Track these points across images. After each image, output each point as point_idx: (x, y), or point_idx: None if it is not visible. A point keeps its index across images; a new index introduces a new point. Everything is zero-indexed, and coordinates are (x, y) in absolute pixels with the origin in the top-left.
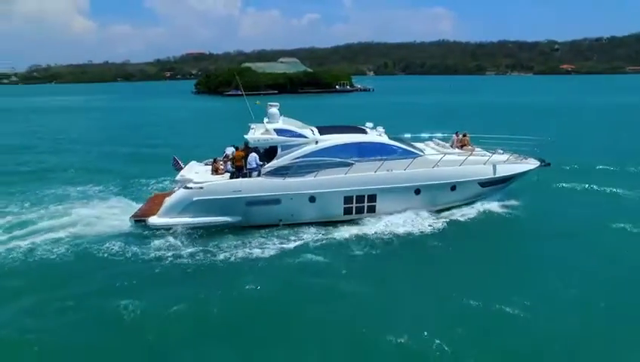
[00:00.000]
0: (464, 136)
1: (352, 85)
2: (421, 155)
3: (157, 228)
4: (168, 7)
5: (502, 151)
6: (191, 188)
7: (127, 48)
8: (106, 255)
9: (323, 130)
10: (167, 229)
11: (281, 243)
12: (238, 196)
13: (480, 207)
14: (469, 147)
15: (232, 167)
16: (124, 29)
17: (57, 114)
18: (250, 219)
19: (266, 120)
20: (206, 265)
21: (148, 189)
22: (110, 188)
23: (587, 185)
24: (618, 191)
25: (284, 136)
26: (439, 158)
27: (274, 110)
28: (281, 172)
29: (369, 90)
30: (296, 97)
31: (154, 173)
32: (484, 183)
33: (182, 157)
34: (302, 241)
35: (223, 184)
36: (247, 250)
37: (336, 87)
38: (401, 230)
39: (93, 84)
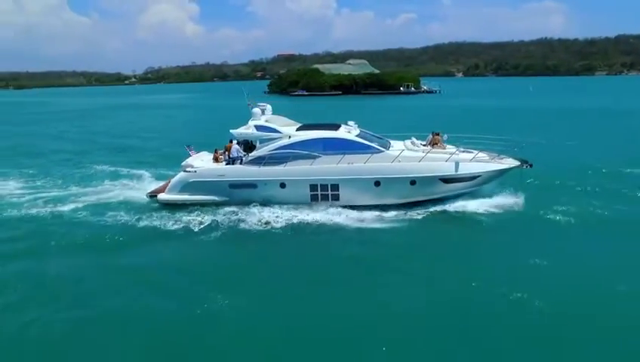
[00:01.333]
0: (436, 135)
1: (417, 87)
2: (382, 151)
3: (163, 203)
4: (268, 10)
5: (475, 151)
6: (188, 171)
7: (230, 50)
8: (119, 216)
9: (303, 127)
10: (171, 204)
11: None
12: (223, 180)
13: (450, 204)
14: (441, 146)
15: (228, 157)
16: (228, 33)
17: (145, 110)
18: (233, 199)
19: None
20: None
21: None
22: (160, 170)
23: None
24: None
25: (261, 131)
26: (398, 154)
27: (256, 110)
28: (257, 161)
29: (435, 92)
30: (358, 98)
31: None
32: (446, 180)
33: (209, 148)
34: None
35: (211, 169)
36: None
37: (401, 88)
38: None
39: (192, 84)
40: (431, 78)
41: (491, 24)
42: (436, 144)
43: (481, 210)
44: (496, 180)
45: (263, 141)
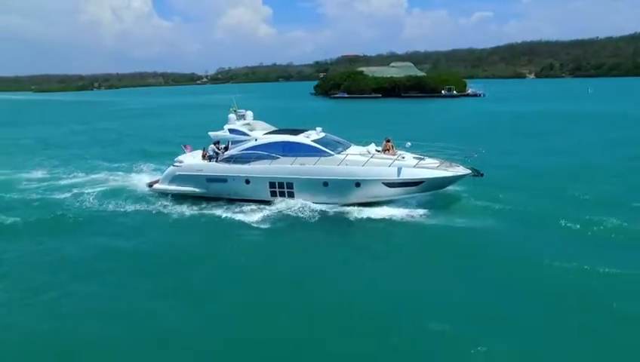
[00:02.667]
0: (387, 141)
1: (461, 90)
2: (331, 155)
3: (157, 192)
4: (337, 11)
5: (427, 159)
6: (176, 166)
7: (299, 51)
8: (119, 201)
9: (272, 132)
10: (164, 194)
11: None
12: (201, 174)
13: (396, 206)
14: (392, 152)
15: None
16: (298, 34)
17: (197, 109)
18: (210, 191)
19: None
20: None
21: None
22: None
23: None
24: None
25: (233, 134)
26: (343, 158)
27: (231, 115)
28: (228, 159)
29: (479, 95)
30: (397, 101)
31: None
32: (389, 184)
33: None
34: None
35: (192, 165)
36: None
37: (442, 91)
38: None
39: (256, 84)
40: (495, 81)
41: (575, 21)
42: (388, 150)
43: (399, 216)
44: (453, 185)
45: (235, 142)
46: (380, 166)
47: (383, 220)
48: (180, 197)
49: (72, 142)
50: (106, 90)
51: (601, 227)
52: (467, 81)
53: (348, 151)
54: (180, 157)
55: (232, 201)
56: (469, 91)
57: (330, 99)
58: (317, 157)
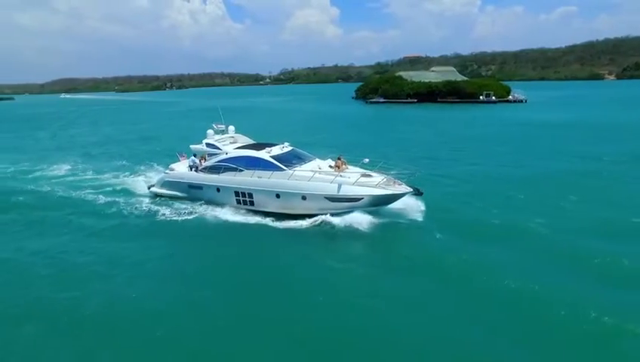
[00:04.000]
0: (339, 159)
1: (502, 95)
2: (283, 170)
3: (153, 193)
4: (405, 10)
5: (370, 174)
6: (166, 173)
7: (365, 51)
8: (118, 199)
9: (242, 147)
10: (159, 196)
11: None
12: (183, 181)
13: (339, 218)
14: (343, 168)
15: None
16: (364, 34)
17: (244, 112)
18: (190, 196)
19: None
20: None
21: None
22: None
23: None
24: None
25: (208, 148)
26: (292, 173)
27: (209, 131)
28: (204, 170)
29: (521, 101)
30: (431, 107)
31: None
32: (331, 198)
33: None
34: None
35: (177, 173)
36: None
37: (480, 97)
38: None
39: (314, 85)
40: (563, 83)
41: None
42: (338, 167)
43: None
44: (398, 201)
45: (210, 155)
46: (323, 182)
47: (339, 230)
48: (169, 199)
49: (112, 141)
50: (176, 89)
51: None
52: (511, 86)
53: (305, 166)
54: (173, 165)
55: (208, 204)
56: (510, 97)
57: (366, 104)
58: (271, 171)
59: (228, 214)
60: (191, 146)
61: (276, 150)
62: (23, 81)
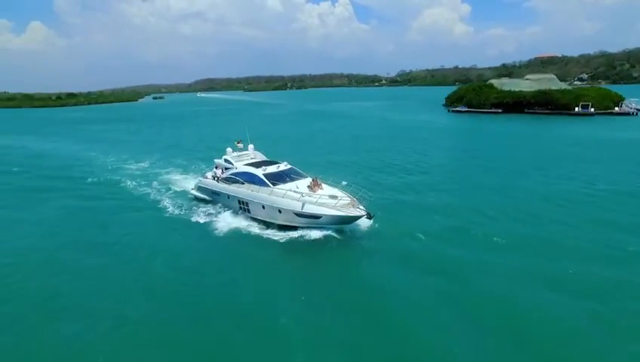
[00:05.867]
0: (313, 180)
1: (607, 106)
2: (268, 186)
3: (193, 196)
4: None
5: (336, 196)
6: (200, 179)
7: (497, 50)
8: (165, 196)
9: (249, 164)
10: (195, 198)
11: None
12: (208, 188)
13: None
14: (316, 188)
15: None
16: (498, 32)
17: (336, 118)
18: (213, 200)
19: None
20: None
21: None
22: None
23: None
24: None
25: (225, 163)
26: (272, 190)
27: (228, 149)
28: (222, 180)
29: (632, 114)
30: (515, 118)
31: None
32: (298, 214)
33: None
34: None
35: (206, 181)
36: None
37: (575, 108)
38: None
39: (429, 87)
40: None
41: None
42: (312, 187)
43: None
44: (356, 220)
45: (226, 169)
46: (292, 199)
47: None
48: (200, 200)
49: (199, 143)
50: (295, 90)
51: None
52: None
53: (287, 185)
54: (207, 173)
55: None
56: (617, 108)
57: (448, 113)
58: (260, 187)
59: (234, 218)
60: (215, 160)
61: (272, 168)
62: (176, 81)
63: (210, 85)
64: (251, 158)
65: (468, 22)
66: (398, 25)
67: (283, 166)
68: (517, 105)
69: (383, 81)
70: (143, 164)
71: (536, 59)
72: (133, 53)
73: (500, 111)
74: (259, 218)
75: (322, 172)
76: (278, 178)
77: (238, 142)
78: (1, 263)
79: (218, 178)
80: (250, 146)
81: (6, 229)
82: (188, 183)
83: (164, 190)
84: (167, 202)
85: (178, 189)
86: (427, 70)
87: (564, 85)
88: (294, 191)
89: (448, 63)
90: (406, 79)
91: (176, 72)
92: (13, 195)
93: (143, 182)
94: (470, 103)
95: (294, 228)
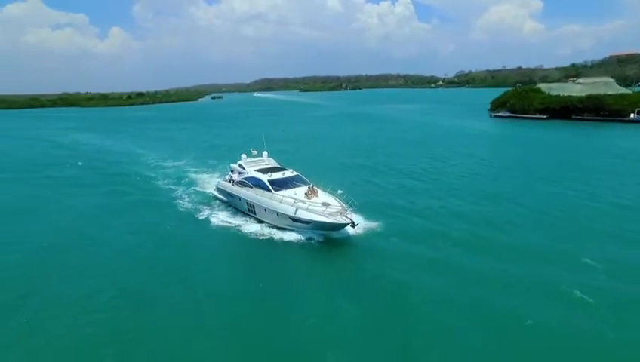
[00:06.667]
0: (309, 188)
1: None
2: (270, 191)
3: (213, 195)
4: None
5: (328, 203)
6: (219, 182)
7: (570, 48)
8: (189, 195)
9: (259, 169)
10: (215, 198)
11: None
12: (225, 189)
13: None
14: (312, 196)
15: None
16: (573, 29)
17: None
18: (229, 201)
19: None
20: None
21: None
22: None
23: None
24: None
25: (239, 168)
26: (272, 194)
27: (243, 155)
28: (236, 183)
29: None
30: (561, 125)
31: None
32: (292, 219)
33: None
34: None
35: (223, 183)
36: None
37: (631, 115)
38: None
39: (482, 90)
40: None
41: None
42: (308, 194)
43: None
44: (342, 228)
45: (240, 173)
46: (287, 205)
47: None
48: (219, 201)
49: (236, 144)
50: (350, 90)
51: None
52: None
53: (286, 191)
54: (226, 176)
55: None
56: None
57: (489, 119)
58: (264, 191)
59: (241, 218)
60: (231, 165)
61: (277, 175)
62: (236, 80)
63: (267, 85)
64: (265, 164)
65: (539, 18)
66: (460, 23)
67: (289, 173)
68: (564, 110)
69: (440, 83)
70: (178, 163)
71: (611, 57)
72: (198, 54)
73: (545, 117)
74: (262, 219)
75: (327, 175)
76: (281, 184)
77: (253, 150)
78: (50, 235)
79: (233, 181)
80: (265, 153)
81: (54, 213)
82: (211, 184)
83: (187, 188)
84: (185, 199)
85: (199, 189)
86: (487, 71)
87: (622, 89)
88: (291, 198)
89: (511, 63)
90: (464, 80)
91: (236, 71)
92: (66, 186)
93: (173, 180)
94: (514, 108)
95: (291, 230)
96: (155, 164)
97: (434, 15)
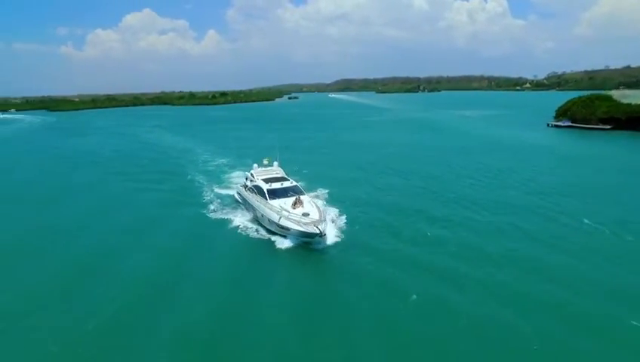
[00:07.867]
0: (297, 198)
1: None
2: (266, 199)
3: (234, 198)
4: None
5: (308, 213)
6: (238, 186)
7: None
8: (212, 195)
9: (266, 179)
10: (236, 201)
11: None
12: (240, 193)
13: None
14: (299, 207)
15: None
16: None
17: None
18: (243, 204)
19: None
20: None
21: None
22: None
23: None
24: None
25: (249, 176)
26: (266, 202)
27: (255, 165)
28: (247, 189)
29: None
30: (622, 137)
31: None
32: (277, 225)
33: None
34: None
35: (239, 187)
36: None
37: None
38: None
39: (573, 92)
40: None
41: None
42: (294, 204)
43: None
44: (313, 237)
45: (250, 180)
46: (274, 213)
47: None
48: (237, 203)
49: (281, 147)
50: (428, 92)
51: None
52: None
53: (278, 201)
54: (244, 182)
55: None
56: None
57: (546, 128)
58: (262, 198)
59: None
60: (246, 173)
61: (276, 184)
62: (317, 80)
63: (346, 85)
64: (275, 173)
65: None
66: (562, 18)
67: (288, 183)
68: (633, 121)
69: (527, 85)
70: (219, 162)
71: None
72: (283, 54)
73: (609, 127)
74: (262, 223)
75: (330, 180)
76: (277, 193)
77: (265, 159)
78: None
79: (247, 187)
80: (275, 163)
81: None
82: (234, 186)
83: (217, 188)
84: (211, 198)
85: (222, 192)
86: (585, 72)
87: None
88: (280, 206)
89: (617, 63)
90: (555, 82)
91: (318, 72)
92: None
93: (207, 179)
94: (574, 118)
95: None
96: (203, 162)
97: (530, 10)
